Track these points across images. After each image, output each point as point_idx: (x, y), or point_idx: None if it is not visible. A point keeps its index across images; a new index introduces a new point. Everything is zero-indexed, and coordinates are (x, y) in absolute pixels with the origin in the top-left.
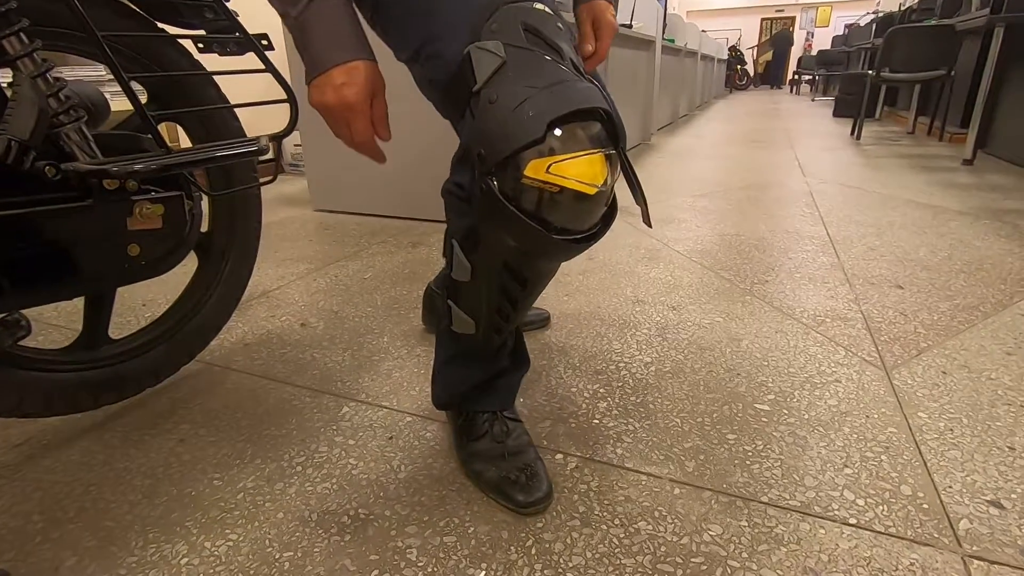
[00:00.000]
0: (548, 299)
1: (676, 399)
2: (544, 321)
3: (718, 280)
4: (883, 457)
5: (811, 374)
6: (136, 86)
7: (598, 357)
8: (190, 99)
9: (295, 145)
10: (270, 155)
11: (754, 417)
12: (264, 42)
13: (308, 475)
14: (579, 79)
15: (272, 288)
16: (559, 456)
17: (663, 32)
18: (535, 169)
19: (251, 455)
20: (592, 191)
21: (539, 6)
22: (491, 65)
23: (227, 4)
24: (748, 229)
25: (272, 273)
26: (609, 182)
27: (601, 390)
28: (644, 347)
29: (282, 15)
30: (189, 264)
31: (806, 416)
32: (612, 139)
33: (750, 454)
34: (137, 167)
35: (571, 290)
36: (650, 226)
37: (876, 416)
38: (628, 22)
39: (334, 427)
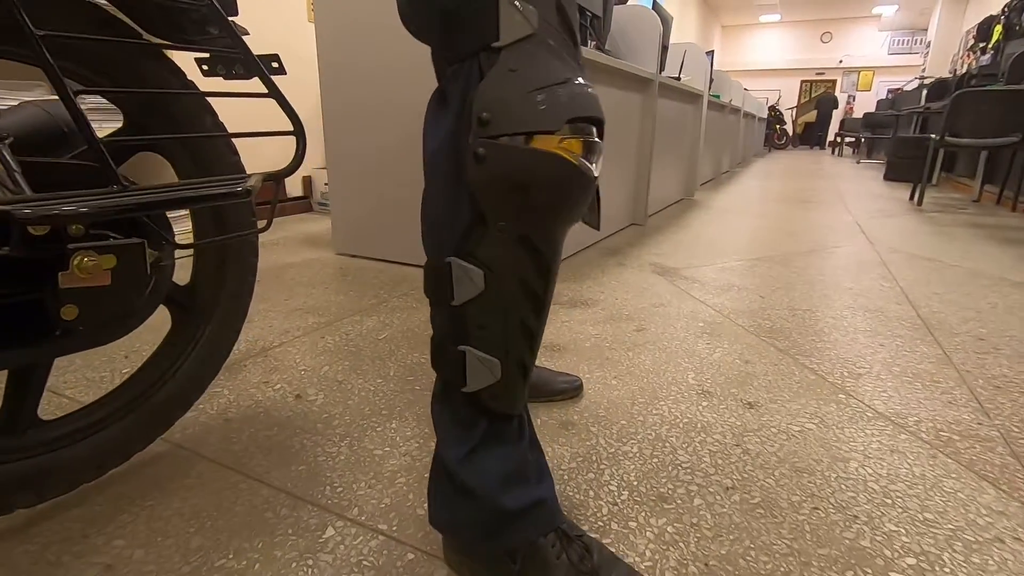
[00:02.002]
0: (592, 383)
1: (776, 554)
2: (576, 389)
3: (799, 369)
4: None
5: (958, 525)
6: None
7: (660, 473)
8: (179, 126)
9: (325, 184)
10: (292, 193)
11: None
12: (275, 64)
13: None
14: (586, 81)
15: (274, 345)
16: None
17: (710, 86)
18: (543, 143)
19: None
20: (591, 172)
21: None
22: (520, 30)
23: (230, 18)
24: (821, 303)
25: (278, 325)
26: (599, 172)
27: (669, 528)
28: (720, 462)
29: None
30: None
31: None
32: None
33: None
34: (59, 210)
35: (620, 372)
36: (598, 228)
37: None
38: (677, 75)
39: (310, 561)
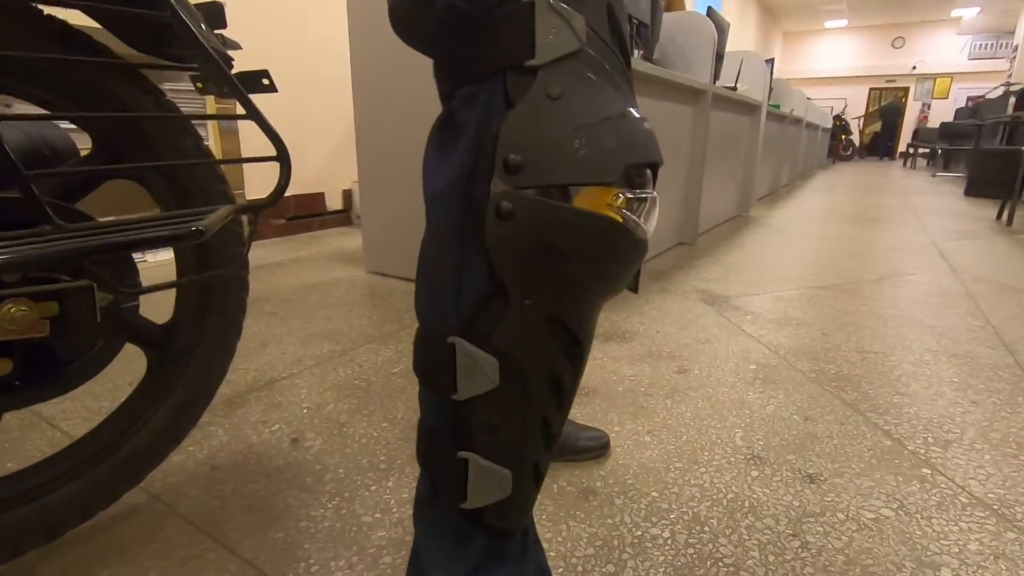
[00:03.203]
0: (622, 438)
1: None
2: (602, 448)
3: (871, 431)
4: None
5: None
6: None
7: (696, 571)
8: (155, 150)
9: None
10: (331, 207)
11: None
12: (265, 81)
13: None
14: (639, 112)
15: (281, 376)
16: None
17: (769, 96)
18: (588, 200)
19: None
20: (646, 236)
21: None
22: (563, 44)
23: (219, 31)
24: (897, 344)
25: (291, 353)
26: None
27: None
28: (771, 559)
29: None
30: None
31: None
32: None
33: None
34: None
35: (655, 425)
36: (636, 291)
37: None
38: (733, 85)
39: None
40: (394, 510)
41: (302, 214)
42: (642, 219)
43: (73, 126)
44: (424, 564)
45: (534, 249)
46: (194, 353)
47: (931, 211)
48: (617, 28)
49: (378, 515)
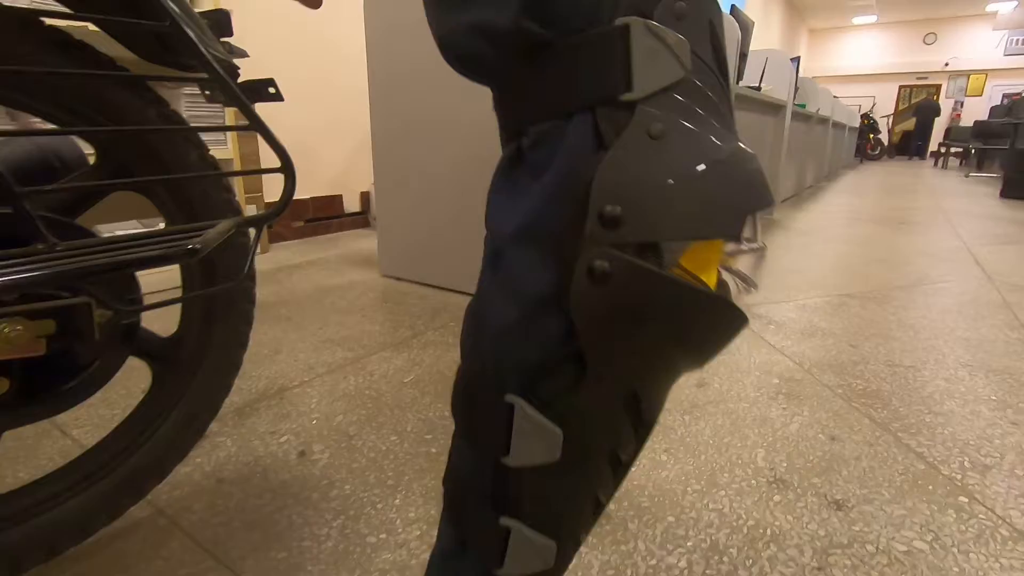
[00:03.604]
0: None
1: None
2: None
3: (903, 453)
4: None
5: None
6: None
7: None
8: (160, 162)
9: None
10: (349, 208)
11: None
12: (271, 90)
13: None
14: (744, 145)
15: (292, 384)
16: None
17: (795, 96)
18: (696, 258)
19: None
20: (754, 287)
21: None
22: (665, 74)
23: (225, 39)
24: (929, 357)
25: (303, 360)
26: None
27: None
28: None
29: None
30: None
31: None
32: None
33: None
34: None
35: (672, 442)
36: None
37: None
38: (757, 84)
39: None
40: (399, 531)
41: (320, 216)
42: (752, 274)
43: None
44: None
45: (629, 318)
46: (199, 366)
47: (964, 214)
48: (720, 47)
49: (383, 535)
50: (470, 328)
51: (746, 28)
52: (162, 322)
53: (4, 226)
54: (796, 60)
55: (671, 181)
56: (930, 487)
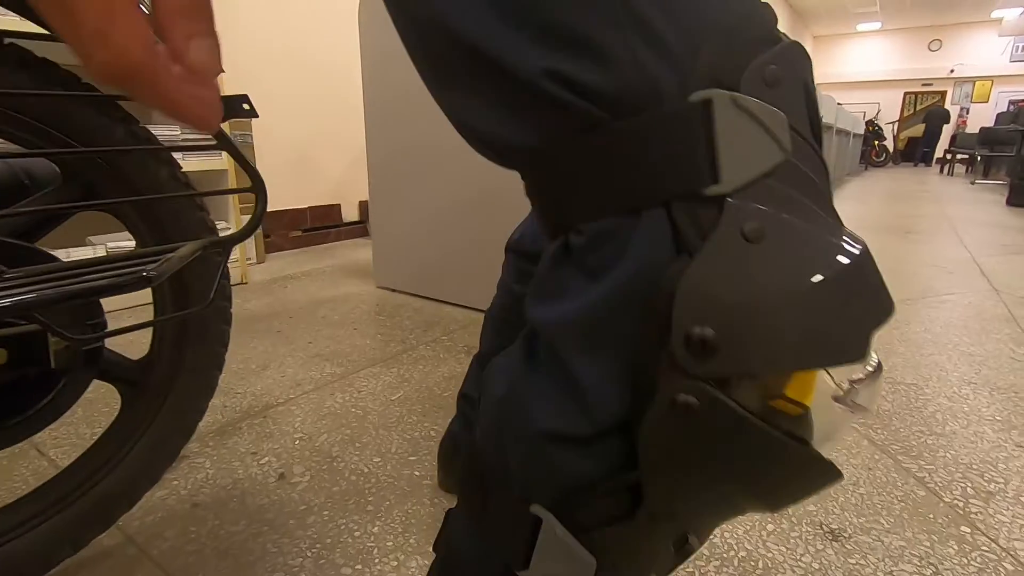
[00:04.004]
0: None
1: None
2: None
3: (902, 478)
4: None
5: None
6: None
7: None
8: (129, 182)
9: None
10: (348, 218)
11: None
12: (245, 106)
13: None
14: (850, 234)
15: (278, 402)
16: None
17: None
18: (801, 387)
19: None
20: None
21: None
22: (760, 159)
23: None
24: (932, 374)
25: (290, 376)
26: None
27: None
28: None
29: None
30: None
31: None
32: None
33: None
34: None
35: None
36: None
37: None
38: None
39: None
40: (376, 561)
41: (318, 225)
42: (868, 400)
43: None
44: None
45: (707, 460)
46: (171, 389)
47: (970, 222)
48: (815, 112)
49: (358, 567)
50: (490, 415)
51: None
52: (135, 344)
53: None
54: None
55: (778, 299)
56: (931, 515)
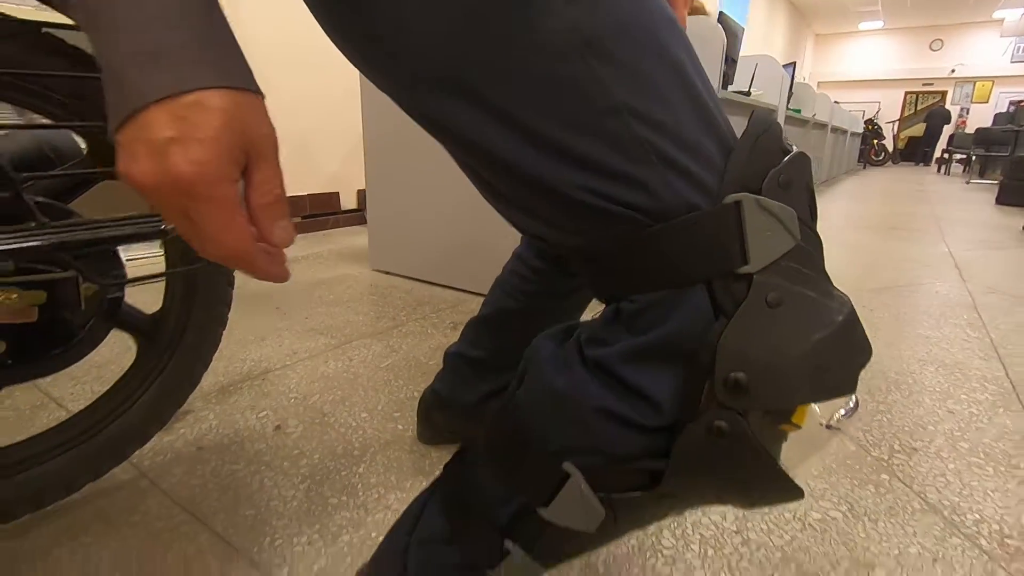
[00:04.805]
0: None
1: None
2: None
3: (838, 436)
4: None
5: None
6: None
7: (634, 560)
8: None
9: None
10: (346, 206)
11: None
12: None
13: None
14: (839, 293)
15: (276, 367)
16: None
17: (788, 101)
18: (800, 414)
19: None
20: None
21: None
22: (778, 245)
23: None
24: (886, 354)
25: (287, 346)
26: None
27: None
28: (710, 553)
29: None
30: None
31: None
32: None
33: None
34: None
35: None
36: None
37: None
38: (747, 89)
39: None
40: (359, 494)
41: (317, 212)
42: (846, 425)
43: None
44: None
45: (721, 469)
46: (179, 342)
47: (957, 220)
48: (814, 204)
49: (344, 498)
50: (551, 395)
51: (734, 34)
52: (147, 303)
53: (3, 207)
54: (791, 66)
55: (795, 351)
56: (856, 467)
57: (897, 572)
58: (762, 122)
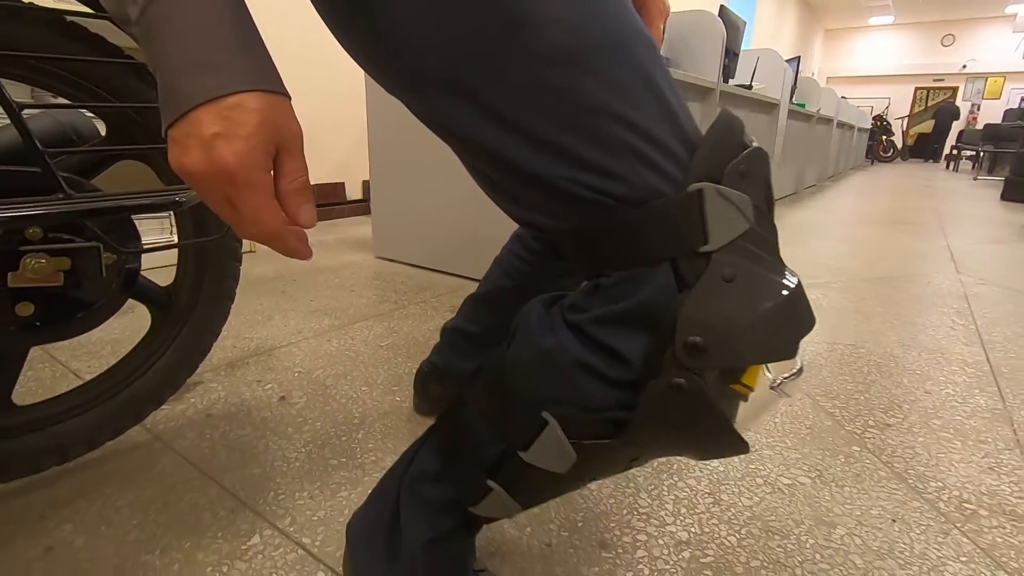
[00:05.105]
0: None
1: None
2: None
3: (815, 413)
4: None
5: None
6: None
7: (611, 516)
8: (159, 135)
9: None
10: (351, 196)
11: None
12: None
13: None
14: (789, 271)
15: (281, 344)
16: None
17: (792, 96)
18: (753, 375)
19: None
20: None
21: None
22: (734, 228)
23: None
24: (871, 339)
25: (293, 326)
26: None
27: None
28: (683, 511)
29: (121, 21)
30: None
31: None
32: None
33: None
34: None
35: None
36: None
37: None
38: (748, 83)
39: (225, 567)
40: (358, 456)
41: (322, 203)
42: (790, 389)
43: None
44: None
45: (679, 422)
46: (191, 313)
47: (960, 215)
48: (770, 193)
49: (343, 459)
50: (538, 351)
51: (735, 27)
52: (162, 277)
53: (34, 180)
54: (795, 60)
55: (745, 318)
56: (830, 439)
57: (857, 530)
58: (725, 120)
